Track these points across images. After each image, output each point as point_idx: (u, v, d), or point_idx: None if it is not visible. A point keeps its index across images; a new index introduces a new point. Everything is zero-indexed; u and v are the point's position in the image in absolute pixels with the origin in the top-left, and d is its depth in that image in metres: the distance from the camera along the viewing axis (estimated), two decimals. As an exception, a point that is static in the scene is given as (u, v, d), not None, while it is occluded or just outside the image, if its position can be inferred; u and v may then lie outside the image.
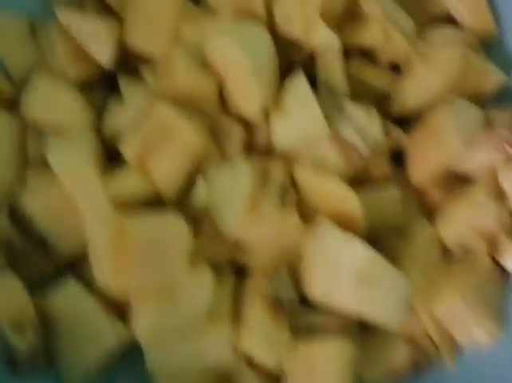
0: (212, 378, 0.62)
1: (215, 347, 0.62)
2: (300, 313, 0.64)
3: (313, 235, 0.63)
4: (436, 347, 0.66)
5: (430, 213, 0.69)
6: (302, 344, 0.61)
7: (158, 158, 0.62)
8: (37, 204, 0.63)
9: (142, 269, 0.59)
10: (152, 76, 0.67)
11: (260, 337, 0.61)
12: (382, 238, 0.67)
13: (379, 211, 0.66)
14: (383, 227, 0.67)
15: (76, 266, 0.65)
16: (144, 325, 0.60)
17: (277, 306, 0.63)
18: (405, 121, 0.72)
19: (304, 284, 0.63)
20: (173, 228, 0.60)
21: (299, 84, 0.65)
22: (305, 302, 0.64)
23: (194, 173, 0.64)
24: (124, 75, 0.70)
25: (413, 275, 0.64)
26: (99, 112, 0.69)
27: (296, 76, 0.66)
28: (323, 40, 0.66)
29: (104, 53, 0.69)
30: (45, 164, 0.65)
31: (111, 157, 0.66)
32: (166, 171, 0.62)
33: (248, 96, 0.64)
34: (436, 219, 0.68)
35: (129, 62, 0.71)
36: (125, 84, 0.69)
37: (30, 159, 0.67)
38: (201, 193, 0.63)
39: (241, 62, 0.63)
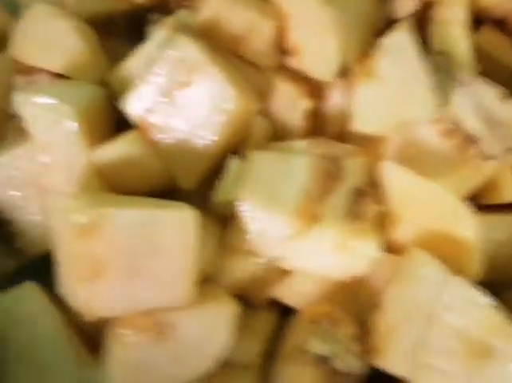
0: None
1: None
2: None
3: (397, 273, 0.41)
4: None
5: None
6: None
7: (171, 119, 0.41)
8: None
9: (122, 283, 0.37)
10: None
11: None
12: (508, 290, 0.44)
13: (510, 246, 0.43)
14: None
15: (43, 266, 0.44)
16: (120, 368, 0.39)
17: (327, 377, 0.40)
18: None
19: (376, 352, 0.41)
20: (176, 222, 0.38)
21: (400, 41, 0.43)
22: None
23: (226, 154, 0.43)
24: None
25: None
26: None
27: (397, 31, 0.44)
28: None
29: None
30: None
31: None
32: (181, 144, 0.41)
33: (320, 49, 0.42)
34: None
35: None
36: (153, 27, 0.48)
37: (12, 113, 0.46)
38: (230, 182, 0.41)
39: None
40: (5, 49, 0.51)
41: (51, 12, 0.49)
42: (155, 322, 0.39)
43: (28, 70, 0.49)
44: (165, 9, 0.53)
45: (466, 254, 0.42)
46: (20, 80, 0.50)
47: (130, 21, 0.53)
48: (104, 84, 0.48)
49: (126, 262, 0.38)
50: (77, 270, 0.37)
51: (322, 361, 0.41)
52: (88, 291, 0.37)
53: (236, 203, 0.42)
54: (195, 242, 0.39)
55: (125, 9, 0.52)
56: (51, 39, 0.48)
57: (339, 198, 0.41)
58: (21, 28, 0.49)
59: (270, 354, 0.44)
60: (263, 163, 0.42)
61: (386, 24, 0.48)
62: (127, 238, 0.37)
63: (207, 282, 0.42)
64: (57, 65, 0.48)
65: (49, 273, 0.47)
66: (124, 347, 0.39)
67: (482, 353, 0.39)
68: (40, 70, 0.49)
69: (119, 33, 0.53)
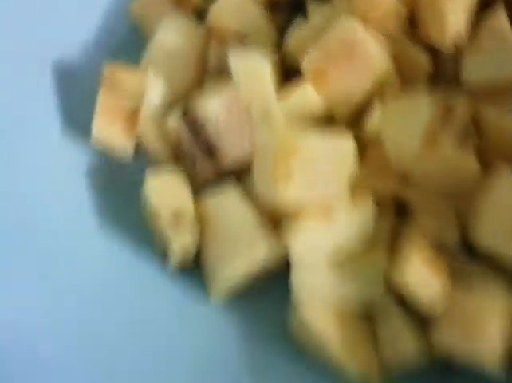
0: (354, 310, 0.58)
1: (366, 278, 0.57)
2: (462, 260, 0.57)
3: (489, 182, 0.56)
4: None
5: None
6: (461, 293, 0.55)
7: (336, 74, 0.58)
8: (210, 109, 0.60)
9: (304, 183, 0.55)
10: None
11: (416, 276, 0.54)
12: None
13: None
14: None
15: (238, 176, 0.62)
16: (299, 240, 0.56)
17: (439, 247, 0.58)
18: None
19: (471, 231, 0.56)
20: (341, 148, 0.56)
21: (497, 20, 0.58)
22: (468, 250, 0.58)
23: (371, 97, 0.59)
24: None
25: None
26: (281, 34, 0.66)
27: (495, 10, 0.58)
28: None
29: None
30: (222, 73, 0.63)
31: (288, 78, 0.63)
32: (343, 89, 0.58)
33: (441, 24, 0.57)
34: None
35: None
36: (312, 5, 0.65)
37: (210, 67, 0.65)
38: (376, 118, 0.57)
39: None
40: (203, 20, 0.68)
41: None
42: (325, 210, 0.58)
43: (220, 36, 0.66)
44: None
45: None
46: (214, 42, 0.67)
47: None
48: (276, 47, 0.66)
49: (309, 170, 0.56)
50: (275, 173, 0.55)
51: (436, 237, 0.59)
52: (282, 189, 0.56)
53: (380, 133, 0.60)
54: (353, 162, 0.57)
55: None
56: (238, 10, 0.66)
57: (453, 130, 0.57)
58: (217, 2, 0.67)
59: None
60: (399, 104, 0.58)
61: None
62: (310, 156, 0.55)
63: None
64: (242, 31, 0.65)
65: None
66: (305, 230, 0.57)
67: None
68: (228, 36, 0.66)
69: (283, 10, 0.69)
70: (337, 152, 0.56)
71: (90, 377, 0.55)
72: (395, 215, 0.60)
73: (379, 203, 0.59)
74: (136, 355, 0.57)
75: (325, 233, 0.56)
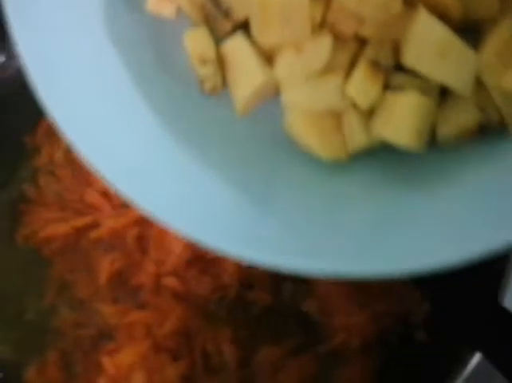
0: (325, 112, 0.85)
1: (329, 91, 0.83)
2: (393, 74, 0.82)
3: (412, 18, 0.78)
4: (502, 117, 0.83)
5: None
6: (388, 95, 0.81)
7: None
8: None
9: (279, 28, 0.78)
10: None
11: (360, 86, 0.80)
12: (474, 26, 0.81)
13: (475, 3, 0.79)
14: (477, 19, 0.80)
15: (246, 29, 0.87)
16: (280, 68, 0.82)
17: (376, 66, 0.83)
18: None
19: (400, 53, 0.80)
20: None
21: None
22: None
23: None
24: None
25: (486, 54, 0.79)
26: None
27: None
28: None
29: None
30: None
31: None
32: None
33: None
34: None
35: None
36: None
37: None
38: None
39: None
40: None
41: None
42: (296, 45, 0.84)
43: None
44: None
45: (450, 11, 0.79)
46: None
47: None
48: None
49: (282, 17, 0.82)
50: (260, 21, 0.83)
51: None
52: (265, 32, 0.83)
53: None
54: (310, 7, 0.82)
55: None
56: None
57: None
58: None
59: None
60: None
61: None
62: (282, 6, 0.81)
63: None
64: None
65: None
66: (283, 59, 0.84)
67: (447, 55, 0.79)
68: None
69: None
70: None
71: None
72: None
73: (340, 39, 0.84)
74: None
75: (297, 60, 0.83)
